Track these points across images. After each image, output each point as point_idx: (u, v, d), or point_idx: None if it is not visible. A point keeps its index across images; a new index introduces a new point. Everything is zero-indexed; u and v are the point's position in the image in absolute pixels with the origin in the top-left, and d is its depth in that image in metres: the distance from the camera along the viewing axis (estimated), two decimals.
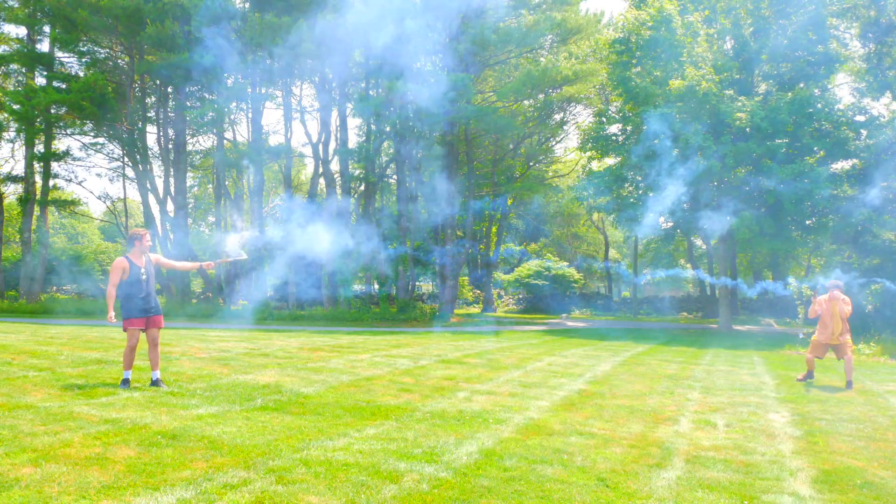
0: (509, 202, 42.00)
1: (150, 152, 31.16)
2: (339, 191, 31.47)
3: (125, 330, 6.84)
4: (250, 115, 30.71)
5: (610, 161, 27.78)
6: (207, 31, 25.06)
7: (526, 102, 33.33)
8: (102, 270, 41.28)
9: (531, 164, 39.76)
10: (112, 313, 6.73)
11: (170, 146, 32.06)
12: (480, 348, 13.25)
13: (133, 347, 6.84)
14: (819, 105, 21.06)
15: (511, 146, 37.72)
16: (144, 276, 6.90)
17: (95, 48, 31.46)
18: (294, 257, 28.58)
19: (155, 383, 6.98)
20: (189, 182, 41.98)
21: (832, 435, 5.76)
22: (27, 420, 5.25)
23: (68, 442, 4.57)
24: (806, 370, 9.45)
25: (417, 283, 45.05)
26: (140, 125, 29.98)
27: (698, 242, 37.52)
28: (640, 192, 26.00)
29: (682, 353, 13.71)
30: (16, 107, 27.85)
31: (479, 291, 44.19)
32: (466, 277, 46.04)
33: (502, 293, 45.23)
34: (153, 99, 32.50)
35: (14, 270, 34.09)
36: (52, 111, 29.00)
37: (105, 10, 26.57)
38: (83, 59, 31.35)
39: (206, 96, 32.45)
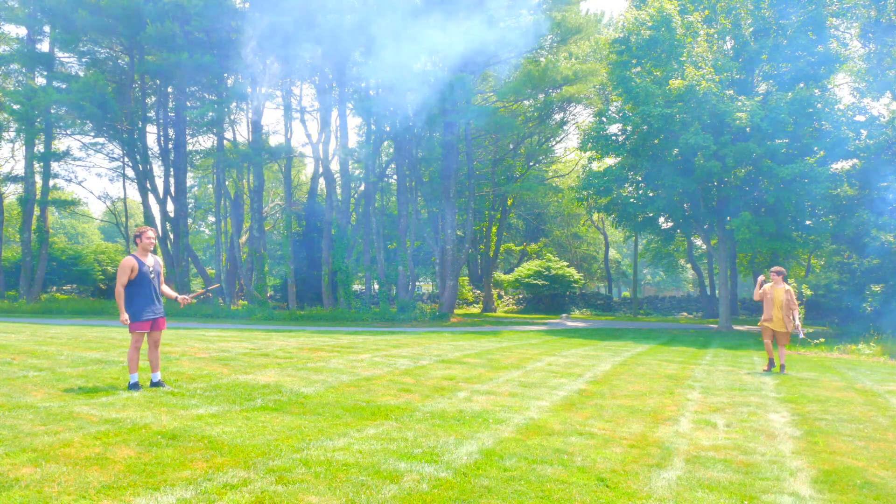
0: (509, 202, 42.04)
1: (150, 152, 31.18)
2: (339, 191, 31.46)
3: (132, 332, 6.70)
4: (250, 115, 30.73)
5: (610, 161, 27.77)
6: (208, 30, 25.06)
7: (526, 102, 33.33)
8: (102, 271, 41.26)
9: (531, 164, 39.75)
10: (125, 315, 6.58)
11: (170, 146, 32.05)
12: (480, 348, 13.25)
13: (138, 349, 6.77)
14: (819, 105, 21.07)
15: (511, 146, 37.71)
16: (152, 275, 6.75)
17: (95, 48, 31.47)
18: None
19: (156, 384, 6.93)
20: (189, 182, 42.01)
21: (832, 435, 5.76)
22: (27, 420, 5.26)
23: (68, 442, 4.57)
24: (767, 359, 10.44)
25: (417, 283, 45.05)
26: (140, 125, 29.99)
27: (698, 242, 37.51)
28: (640, 192, 26.00)
29: (682, 353, 13.71)
30: (16, 107, 27.85)
31: (479, 291, 44.19)
32: (466, 277, 46.03)
33: (502, 293, 45.22)
34: (153, 99, 32.50)
35: (14, 270, 34.08)
36: (52, 111, 29.00)
37: (105, 10, 26.58)
38: (83, 59, 31.36)
39: (206, 96, 32.44)
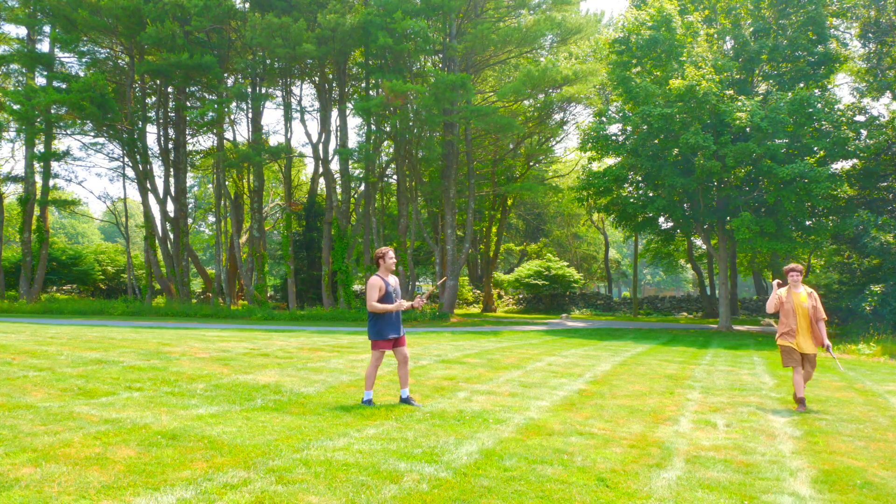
0: (509, 202, 42.01)
1: (150, 152, 31.21)
2: (339, 190, 31.46)
3: (374, 349, 6.52)
4: (250, 115, 30.73)
5: (610, 161, 27.75)
6: (208, 30, 25.01)
7: (526, 102, 33.31)
8: (102, 270, 41.28)
9: (531, 164, 39.74)
10: (407, 303, 6.48)
11: (170, 146, 32.05)
12: (480, 348, 13.25)
13: (377, 367, 6.55)
14: (819, 105, 21.06)
15: (511, 146, 37.70)
16: (395, 295, 6.58)
17: (95, 48, 31.49)
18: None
19: (406, 401, 6.61)
20: (189, 182, 42.01)
21: (832, 435, 5.76)
22: (27, 420, 5.26)
23: (68, 442, 4.57)
24: (798, 400, 7.01)
25: (417, 283, 45.01)
26: (140, 125, 30.00)
27: (698, 242, 37.50)
28: (640, 192, 25.98)
29: (682, 353, 13.70)
30: (16, 107, 27.86)
31: (479, 291, 44.17)
32: (466, 277, 46.01)
33: (502, 293, 45.22)
34: (153, 99, 32.51)
35: (14, 270, 34.09)
36: (52, 111, 29.02)
37: (105, 10, 26.58)
38: (83, 59, 31.37)
39: (206, 96, 32.43)
